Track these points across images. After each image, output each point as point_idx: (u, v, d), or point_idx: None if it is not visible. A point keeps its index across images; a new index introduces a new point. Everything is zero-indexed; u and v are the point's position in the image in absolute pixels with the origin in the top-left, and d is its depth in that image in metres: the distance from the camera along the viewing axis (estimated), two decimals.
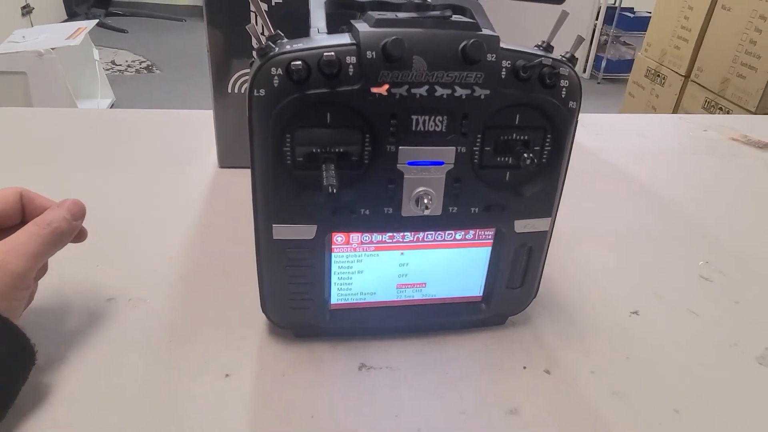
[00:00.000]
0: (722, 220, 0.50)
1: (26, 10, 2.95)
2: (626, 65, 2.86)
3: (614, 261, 0.43)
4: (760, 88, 1.63)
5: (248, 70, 0.48)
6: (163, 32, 3.49)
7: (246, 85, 0.49)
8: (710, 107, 1.82)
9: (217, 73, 0.48)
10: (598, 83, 3.15)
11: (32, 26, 2.62)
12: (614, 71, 3.15)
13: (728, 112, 1.72)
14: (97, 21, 2.36)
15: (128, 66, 2.89)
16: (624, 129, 0.71)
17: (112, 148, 0.55)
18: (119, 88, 2.43)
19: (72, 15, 3.46)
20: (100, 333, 0.32)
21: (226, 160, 0.52)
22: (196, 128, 0.60)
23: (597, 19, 3.03)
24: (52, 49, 1.92)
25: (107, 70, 2.68)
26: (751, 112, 1.65)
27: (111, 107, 2.29)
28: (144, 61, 2.95)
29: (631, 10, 3.15)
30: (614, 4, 3.12)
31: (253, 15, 0.46)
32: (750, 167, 0.62)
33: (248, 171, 0.28)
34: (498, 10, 0.37)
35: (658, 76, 2.08)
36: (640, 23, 2.92)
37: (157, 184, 0.49)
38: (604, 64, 3.13)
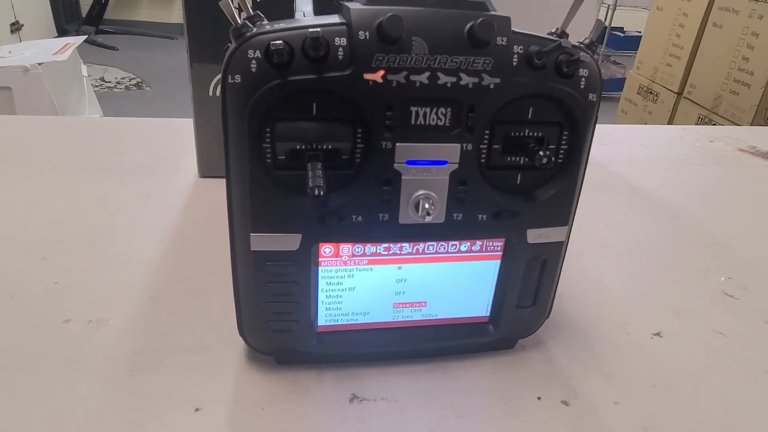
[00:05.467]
0: (739, 232, 0.47)
1: (15, 27, 2.92)
2: (617, 84, 2.87)
3: (629, 277, 0.39)
4: (753, 104, 1.63)
5: None
6: (153, 50, 3.48)
7: None
8: (703, 123, 1.81)
9: (196, 76, 0.45)
10: None
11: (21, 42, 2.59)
12: (605, 90, 3.15)
13: None
14: (85, 37, 2.33)
15: (117, 83, 2.86)
16: (626, 139, 0.68)
17: (87, 156, 0.51)
18: (108, 104, 2.39)
19: (62, 32, 3.44)
20: (51, 360, 0.28)
21: (206, 169, 0.48)
22: (175, 136, 0.57)
23: None
24: (39, 64, 1.88)
25: (96, 86, 2.65)
26: None
27: None
28: (134, 78, 2.93)
29: (620, 29, 3.18)
30: (604, 23, 3.15)
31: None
32: (761, 178, 0.59)
33: None
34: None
35: (651, 93, 2.08)
36: (630, 43, 2.95)
37: (132, 193, 0.45)
38: None
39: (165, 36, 3.72)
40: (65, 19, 3.55)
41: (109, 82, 2.85)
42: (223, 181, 0.48)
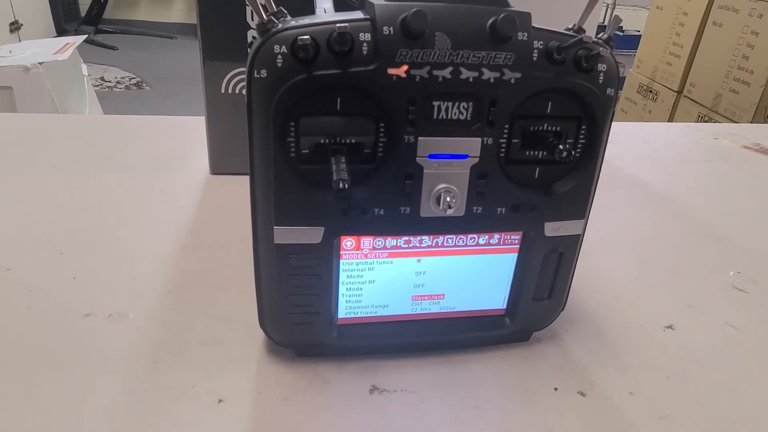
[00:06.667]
0: (746, 228, 0.47)
1: (14, 27, 2.92)
2: None
3: (639, 271, 0.40)
4: (753, 103, 1.64)
5: (244, 69, 0.45)
6: (153, 49, 3.47)
7: (241, 85, 0.46)
8: (703, 122, 1.82)
9: (209, 74, 0.45)
10: None
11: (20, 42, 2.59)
12: None
13: None
14: (86, 36, 2.32)
15: (117, 82, 2.86)
16: (630, 137, 0.69)
17: (97, 154, 0.52)
18: (108, 104, 2.39)
19: (61, 32, 3.44)
20: (73, 353, 0.28)
21: (218, 166, 0.48)
22: (182, 134, 0.57)
23: None
24: (40, 63, 1.88)
25: (96, 86, 2.65)
26: None
27: None
28: (134, 78, 2.92)
29: (620, 28, 3.19)
30: (604, 23, 3.16)
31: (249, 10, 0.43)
32: (766, 174, 0.59)
33: (242, 178, 0.25)
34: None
35: (650, 91, 2.08)
36: (630, 42, 2.95)
37: (144, 190, 0.46)
38: None
39: (164, 35, 3.72)
40: (64, 19, 3.54)
41: (109, 81, 2.85)
42: (235, 178, 0.48)
